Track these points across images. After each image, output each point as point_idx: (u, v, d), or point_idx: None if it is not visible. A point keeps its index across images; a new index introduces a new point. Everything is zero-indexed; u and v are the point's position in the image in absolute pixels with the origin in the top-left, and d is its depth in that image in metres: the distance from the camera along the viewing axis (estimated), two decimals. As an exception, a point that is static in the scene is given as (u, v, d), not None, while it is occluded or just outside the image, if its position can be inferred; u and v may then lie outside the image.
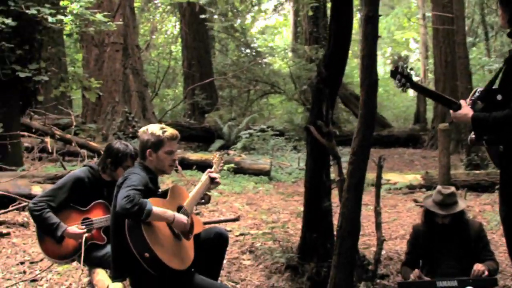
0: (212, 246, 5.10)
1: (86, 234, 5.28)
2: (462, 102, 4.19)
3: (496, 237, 7.39)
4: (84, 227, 5.30)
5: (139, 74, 14.28)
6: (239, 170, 12.49)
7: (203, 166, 12.16)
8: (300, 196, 10.40)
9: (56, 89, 11.84)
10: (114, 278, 4.74)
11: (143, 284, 4.56)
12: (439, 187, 5.74)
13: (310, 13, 18.77)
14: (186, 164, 12.58)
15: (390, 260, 6.52)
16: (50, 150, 12.12)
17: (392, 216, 8.75)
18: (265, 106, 24.54)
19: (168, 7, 23.27)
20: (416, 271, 5.47)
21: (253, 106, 23.13)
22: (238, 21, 27.63)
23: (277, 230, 7.52)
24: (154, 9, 23.77)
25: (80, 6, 9.85)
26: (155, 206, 4.45)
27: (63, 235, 5.20)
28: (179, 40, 21.02)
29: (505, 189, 4.10)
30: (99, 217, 5.42)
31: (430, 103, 23.46)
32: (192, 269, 4.76)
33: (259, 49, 24.66)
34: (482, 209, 9.40)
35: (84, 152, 12.25)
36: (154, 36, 21.78)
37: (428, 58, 40.00)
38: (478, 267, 5.33)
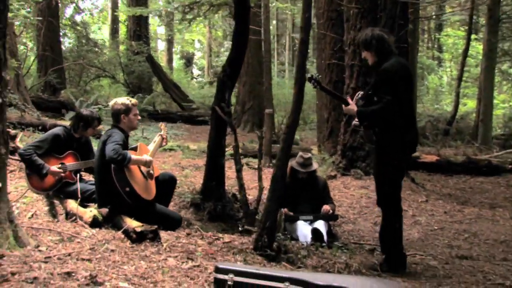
0: (167, 184, 5.75)
1: (62, 174, 5.69)
2: (348, 99, 5.08)
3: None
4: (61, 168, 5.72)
5: (15, 55, 13.93)
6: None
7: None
8: (165, 158, 11.04)
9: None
10: (100, 206, 5.16)
11: (122, 211, 5.02)
12: (300, 152, 6.68)
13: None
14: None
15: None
16: None
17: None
18: (96, 87, 24.31)
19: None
20: (285, 209, 6.41)
21: (87, 86, 22.90)
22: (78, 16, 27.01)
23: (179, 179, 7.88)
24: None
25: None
26: (132, 155, 5.09)
27: (47, 172, 5.57)
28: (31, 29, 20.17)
29: (377, 155, 4.94)
30: (71, 162, 5.79)
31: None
32: (154, 200, 5.37)
33: (96, 41, 24.42)
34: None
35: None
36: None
37: (211, 56, 41.16)
38: (326, 207, 6.37)
